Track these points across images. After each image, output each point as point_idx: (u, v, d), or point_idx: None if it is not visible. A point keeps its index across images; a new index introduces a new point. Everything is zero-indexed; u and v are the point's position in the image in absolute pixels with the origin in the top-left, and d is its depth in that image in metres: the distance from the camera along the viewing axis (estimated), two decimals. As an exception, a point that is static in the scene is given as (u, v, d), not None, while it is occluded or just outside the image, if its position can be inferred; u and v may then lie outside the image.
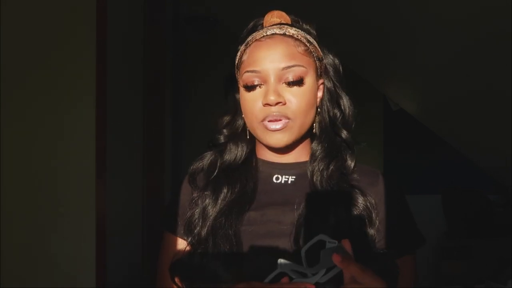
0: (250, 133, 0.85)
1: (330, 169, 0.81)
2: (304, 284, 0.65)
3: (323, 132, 0.84)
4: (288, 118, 0.78)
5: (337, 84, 0.85)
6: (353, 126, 0.86)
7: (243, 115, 0.85)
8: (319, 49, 0.83)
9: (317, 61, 0.82)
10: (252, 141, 0.87)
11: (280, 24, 0.81)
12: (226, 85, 0.88)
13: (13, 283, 1.32)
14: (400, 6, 2.22)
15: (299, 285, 0.66)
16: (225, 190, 0.81)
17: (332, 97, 0.85)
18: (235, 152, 0.86)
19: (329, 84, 0.85)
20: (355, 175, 0.83)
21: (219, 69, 0.92)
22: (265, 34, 0.80)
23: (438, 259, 3.12)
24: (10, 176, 1.34)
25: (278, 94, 0.77)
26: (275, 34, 0.80)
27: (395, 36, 2.57)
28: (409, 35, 2.47)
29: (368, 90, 3.69)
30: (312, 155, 0.84)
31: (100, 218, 1.37)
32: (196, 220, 0.81)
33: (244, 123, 0.85)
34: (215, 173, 0.85)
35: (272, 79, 0.78)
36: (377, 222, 0.79)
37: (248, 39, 0.81)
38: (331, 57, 0.85)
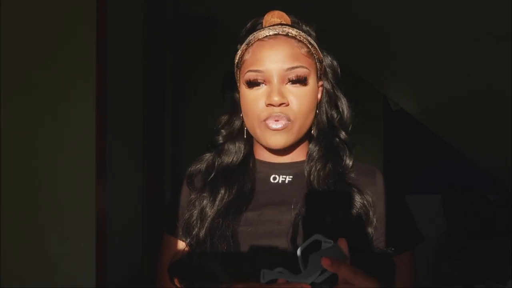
0: (248, 132, 0.85)
1: (327, 168, 0.81)
2: (300, 284, 0.65)
3: (320, 133, 0.85)
4: (289, 120, 0.78)
5: (336, 86, 0.86)
6: (350, 128, 0.86)
7: (241, 115, 0.85)
8: (319, 51, 0.83)
9: (317, 63, 0.82)
10: (250, 140, 0.87)
11: (281, 24, 0.81)
12: (225, 84, 0.88)
13: (13, 283, 1.32)
14: (400, 6, 2.22)
15: (295, 286, 0.66)
16: (222, 191, 0.82)
17: (331, 99, 0.85)
18: (233, 153, 0.86)
19: (328, 86, 0.85)
20: (352, 174, 0.83)
21: (219, 69, 0.92)
22: (268, 34, 0.80)
23: (438, 259, 3.13)
24: (10, 176, 1.34)
25: (282, 95, 0.77)
26: (278, 34, 0.80)
27: (395, 36, 2.57)
28: (409, 35, 2.47)
29: (368, 90, 3.69)
30: (309, 156, 0.84)
31: (100, 218, 1.37)
32: (194, 222, 0.81)
33: (242, 123, 0.85)
34: (212, 174, 0.85)
35: (275, 79, 0.78)
36: (375, 220, 0.79)
37: (250, 38, 0.81)
38: (330, 59, 0.86)
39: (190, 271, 0.78)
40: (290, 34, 0.80)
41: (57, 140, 1.37)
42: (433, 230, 3.07)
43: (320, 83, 0.84)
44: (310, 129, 0.84)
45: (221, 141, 0.87)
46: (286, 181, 0.84)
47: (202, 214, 0.81)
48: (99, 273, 1.36)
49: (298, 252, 0.67)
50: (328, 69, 0.85)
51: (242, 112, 0.84)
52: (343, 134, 0.85)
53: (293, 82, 0.78)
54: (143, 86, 2.04)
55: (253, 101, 0.79)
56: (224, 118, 0.88)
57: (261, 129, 0.80)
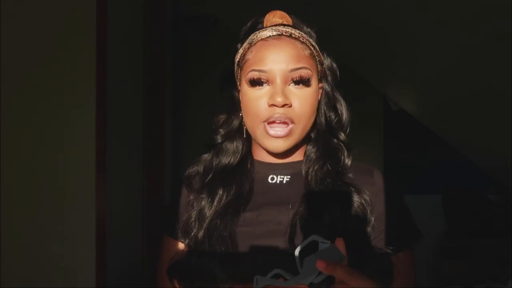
0: (247, 132, 0.85)
1: (324, 168, 0.81)
2: (298, 285, 0.65)
3: (319, 134, 0.85)
4: (293, 122, 0.78)
5: (335, 89, 0.86)
6: (348, 130, 0.86)
7: (240, 113, 0.85)
8: (320, 53, 0.83)
9: (318, 65, 0.83)
10: (248, 140, 0.87)
11: (283, 25, 0.81)
12: (224, 82, 0.88)
13: (13, 283, 1.32)
14: (400, 6, 2.22)
15: (293, 287, 0.66)
16: (220, 192, 0.82)
17: (330, 101, 0.85)
18: (231, 153, 0.86)
19: (327, 88, 0.85)
20: (350, 174, 0.83)
21: (219, 69, 0.92)
22: (271, 34, 0.80)
23: (438, 259, 3.12)
24: (10, 176, 1.34)
25: (285, 96, 0.77)
26: (282, 35, 0.80)
27: (395, 36, 2.57)
28: (409, 35, 2.47)
29: (368, 90, 3.69)
30: (307, 156, 0.85)
31: (100, 218, 1.37)
32: (193, 223, 0.81)
33: (241, 122, 0.85)
34: (210, 175, 0.85)
35: (278, 80, 0.78)
36: (373, 220, 0.79)
37: (252, 37, 0.81)
38: (330, 61, 0.86)
39: (189, 272, 0.78)
40: (293, 36, 0.80)
41: (57, 140, 1.37)
42: (433, 230, 3.07)
43: (320, 85, 0.84)
44: (309, 131, 0.84)
45: (219, 141, 0.86)
46: (284, 181, 0.84)
47: (200, 215, 0.81)
48: (99, 273, 1.36)
49: (296, 252, 0.66)
50: (327, 71, 0.86)
51: (242, 111, 0.83)
52: (341, 135, 0.85)
53: (296, 83, 0.78)
54: (143, 86, 2.04)
55: (255, 100, 0.79)
56: (223, 117, 0.88)
57: (261, 132, 0.79)
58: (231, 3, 2.87)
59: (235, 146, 0.86)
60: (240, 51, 0.82)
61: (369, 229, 0.78)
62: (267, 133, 0.78)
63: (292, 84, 0.78)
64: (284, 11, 0.84)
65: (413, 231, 0.84)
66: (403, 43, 2.60)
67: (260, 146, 0.83)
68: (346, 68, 3.20)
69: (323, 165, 0.82)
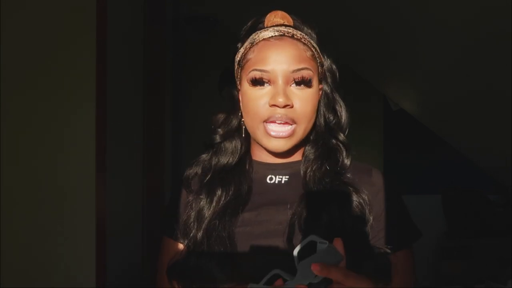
0: (246, 131, 0.85)
1: (323, 168, 0.82)
2: (297, 286, 0.65)
3: (318, 135, 0.85)
4: (294, 122, 0.78)
5: (334, 90, 0.86)
6: (347, 131, 0.86)
7: (240, 113, 0.85)
8: (321, 55, 0.83)
9: (319, 67, 0.83)
10: (247, 140, 0.87)
11: (285, 25, 0.81)
12: (223, 81, 0.89)
13: (13, 283, 1.32)
14: (400, 6, 2.22)
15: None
16: (219, 193, 0.82)
17: (329, 102, 0.86)
18: (229, 152, 0.86)
19: (327, 90, 0.85)
20: (348, 174, 0.83)
21: (219, 69, 0.92)
22: (273, 35, 0.80)
23: (438, 259, 3.12)
24: (10, 176, 1.34)
25: (287, 97, 0.77)
26: (284, 35, 0.80)
27: (395, 36, 2.57)
28: (409, 35, 2.47)
29: (368, 90, 3.69)
30: (306, 157, 0.85)
31: (100, 218, 1.37)
32: (192, 223, 0.81)
33: (240, 121, 0.85)
34: (209, 175, 0.85)
35: (280, 80, 0.78)
36: (371, 219, 0.79)
37: (254, 37, 0.81)
38: (329, 62, 0.86)
39: (188, 272, 0.79)
40: (295, 37, 0.80)
41: (57, 140, 1.37)
42: (433, 230, 3.07)
43: (320, 86, 0.84)
44: (310, 131, 0.84)
45: (218, 140, 0.87)
46: (283, 181, 0.84)
47: (199, 216, 0.81)
48: (99, 273, 1.36)
49: (295, 253, 0.67)
50: (327, 73, 0.86)
51: (242, 111, 0.83)
52: (340, 136, 0.85)
53: (298, 83, 0.78)
54: (143, 86, 2.04)
55: (256, 100, 0.79)
56: (222, 116, 0.88)
57: (261, 132, 0.79)
58: (231, 3, 2.86)
59: (233, 146, 0.86)
60: (241, 50, 0.82)
61: (367, 228, 0.78)
62: (268, 133, 0.78)
63: (294, 85, 0.78)
64: (284, 11, 0.84)
65: (412, 231, 0.84)
66: (403, 43, 2.60)
67: (260, 145, 0.83)
68: (346, 68, 3.20)
69: (321, 165, 0.82)
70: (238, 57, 0.83)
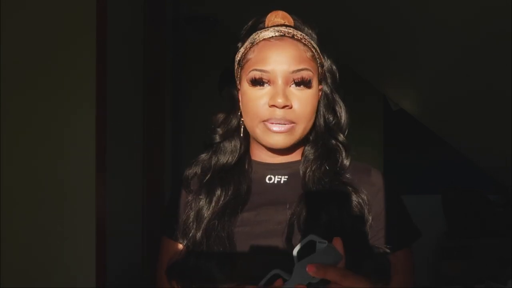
0: (245, 131, 0.85)
1: (322, 168, 0.82)
2: (297, 286, 0.65)
3: (317, 135, 0.85)
4: (293, 122, 0.78)
5: (334, 91, 0.86)
6: (346, 132, 0.86)
7: (239, 113, 0.85)
8: (321, 55, 0.83)
9: (319, 67, 0.83)
10: (246, 139, 0.87)
11: (286, 26, 0.81)
12: (223, 81, 0.89)
13: (13, 283, 1.32)
14: (400, 6, 2.22)
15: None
16: (218, 193, 0.82)
17: (329, 103, 0.86)
18: (229, 152, 0.86)
19: (327, 90, 0.85)
20: (347, 174, 0.83)
21: (219, 69, 0.92)
22: (274, 35, 0.80)
23: (438, 259, 3.12)
24: (10, 176, 1.34)
25: (286, 98, 0.77)
26: (284, 36, 0.80)
27: (395, 36, 2.57)
28: (409, 35, 2.47)
29: (368, 90, 3.69)
30: (305, 157, 0.85)
31: (100, 218, 1.37)
32: (191, 223, 0.82)
33: (239, 121, 0.85)
34: (209, 175, 0.85)
35: (280, 81, 0.78)
36: (370, 219, 0.79)
37: (254, 37, 0.81)
38: (330, 63, 0.86)
39: (187, 272, 0.79)
40: (296, 37, 0.80)
41: (57, 140, 1.37)
42: (433, 230, 3.07)
43: (320, 87, 0.84)
44: (309, 132, 0.84)
45: (217, 140, 0.87)
46: (282, 181, 0.84)
47: (198, 215, 0.81)
48: (99, 273, 1.36)
49: (294, 252, 0.67)
50: (327, 74, 0.86)
51: (242, 110, 0.83)
52: (340, 136, 0.85)
53: (297, 84, 0.78)
54: (143, 86, 2.04)
55: (256, 100, 0.79)
56: (221, 116, 0.88)
57: (261, 130, 0.80)
58: (231, 3, 2.86)
59: (233, 145, 0.87)
60: (241, 50, 0.82)
61: (366, 228, 0.78)
62: (269, 129, 0.78)
63: (293, 86, 0.78)
64: (285, 11, 0.84)
65: (411, 230, 0.84)
66: (403, 43, 2.60)
67: (260, 143, 0.83)
68: (346, 68, 3.20)
69: (320, 165, 0.82)
70: (238, 56, 0.83)
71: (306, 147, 0.86)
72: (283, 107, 0.77)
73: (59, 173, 1.36)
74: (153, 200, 2.07)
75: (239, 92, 0.84)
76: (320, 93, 0.85)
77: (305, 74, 0.78)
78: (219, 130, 0.87)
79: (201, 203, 0.82)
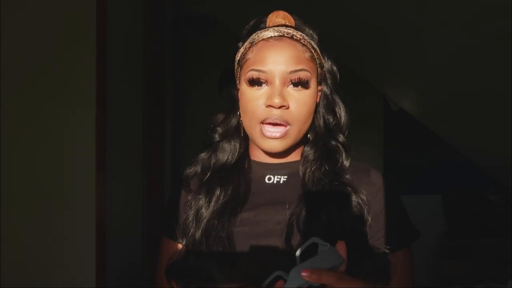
0: (244, 131, 0.85)
1: (322, 169, 0.82)
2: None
3: (317, 136, 0.85)
4: (288, 124, 0.78)
5: (334, 92, 0.86)
6: (346, 132, 0.86)
7: (238, 112, 0.85)
8: (321, 56, 0.83)
9: (318, 68, 0.83)
10: (246, 139, 0.87)
11: (286, 26, 0.81)
12: (223, 80, 0.89)
13: (13, 283, 1.32)
14: (400, 6, 2.22)
15: None
16: (217, 192, 0.82)
17: (329, 103, 0.85)
18: (228, 151, 0.86)
19: (326, 91, 0.85)
20: (347, 174, 0.83)
21: (219, 69, 0.92)
22: (273, 35, 0.80)
23: (438, 259, 3.12)
24: (10, 176, 1.34)
25: (283, 98, 0.77)
26: (284, 36, 0.80)
27: (395, 36, 2.57)
28: (409, 35, 2.47)
29: (368, 90, 3.69)
30: (305, 157, 0.85)
31: (100, 218, 1.37)
32: (191, 223, 0.82)
33: (239, 121, 0.86)
34: (208, 174, 0.85)
35: (277, 81, 0.78)
36: (369, 219, 0.79)
37: (254, 37, 0.81)
38: (330, 64, 0.86)
39: (187, 272, 0.79)
40: (295, 37, 0.80)
41: (57, 140, 1.37)
42: (433, 230, 3.07)
43: (319, 87, 0.84)
44: (307, 133, 0.84)
45: (217, 139, 0.87)
46: (281, 181, 0.84)
47: (198, 215, 0.81)
48: (99, 273, 1.36)
49: (297, 253, 0.67)
50: (327, 74, 0.85)
51: (241, 110, 0.83)
52: (340, 137, 0.85)
53: (295, 84, 0.78)
54: (143, 86, 2.04)
55: (253, 100, 0.79)
56: (221, 115, 0.88)
57: (258, 133, 0.80)
58: (231, 3, 2.87)
59: (232, 145, 0.87)
60: (241, 50, 0.82)
61: (366, 228, 0.78)
62: (263, 134, 0.78)
63: (291, 86, 0.78)
64: (285, 11, 0.84)
65: (410, 231, 0.84)
66: (403, 43, 2.60)
67: (257, 146, 0.83)
68: (346, 68, 3.20)
69: (320, 166, 0.82)
70: (238, 56, 0.83)
71: (306, 148, 0.86)
72: (280, 107, 0.77)
73: (59, 173, 1.36)
74: (153, 200, 2.07)
75: (239, 92, 0.84)
76: (319, 94, 0.85)
77: (303, 75, 0.78)
78: (219, 129, 0.87)
79: (200, 202, 0.82)
